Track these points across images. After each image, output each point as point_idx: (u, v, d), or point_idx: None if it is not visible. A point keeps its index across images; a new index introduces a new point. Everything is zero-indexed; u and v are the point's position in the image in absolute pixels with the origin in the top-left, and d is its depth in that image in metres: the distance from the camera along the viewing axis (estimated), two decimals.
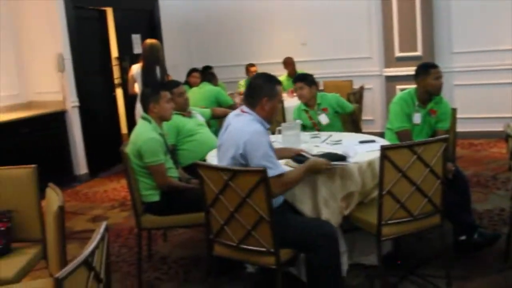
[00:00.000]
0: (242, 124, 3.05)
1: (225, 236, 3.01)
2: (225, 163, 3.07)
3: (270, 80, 3.15)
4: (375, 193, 3.29)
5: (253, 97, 3.13)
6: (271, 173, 2.84)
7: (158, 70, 6.03)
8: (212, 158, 3.76)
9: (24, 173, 3.30)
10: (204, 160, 3.71)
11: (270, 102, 3.10)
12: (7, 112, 6.50)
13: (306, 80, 4.94)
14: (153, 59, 6.03)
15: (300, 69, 7.96)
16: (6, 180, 3.31)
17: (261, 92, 3.09)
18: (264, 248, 2.88)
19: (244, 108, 3.15)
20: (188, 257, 4.17)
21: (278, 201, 3.10)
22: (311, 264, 2.95)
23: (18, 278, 2.99)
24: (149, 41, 6.21)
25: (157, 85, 4.56)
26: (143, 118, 3.84)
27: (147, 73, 5.98)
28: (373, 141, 3.96)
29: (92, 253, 1.82)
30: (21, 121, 6.18)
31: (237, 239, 2.95)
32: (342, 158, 3.26)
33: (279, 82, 3.17)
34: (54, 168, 6.18)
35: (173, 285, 3.75)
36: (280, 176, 2.94)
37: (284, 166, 3.21)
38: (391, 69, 7.82)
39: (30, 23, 6.86)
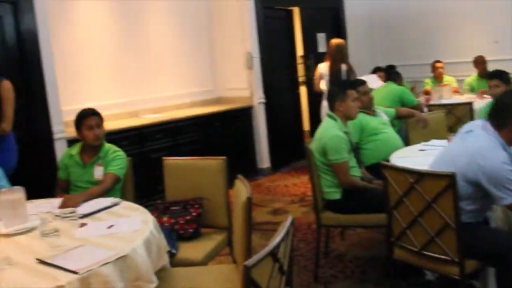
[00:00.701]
0: (486, 145, 2.75)
1: (407, 240, 2.93)
2: (443, 167, 2.83)
3: None
4: None
5: (500, 118, 2.80)
6: None
7: (344, 69, 6.10)
8: (396, 159, 3.68)
9: (215, 163, 3.52)
10: (388, 161, 3.63)
11: None
12: (201, 107, 7.02)
13: (502, 78, 4.61)
14: (339, 58, 6.13)
15: (492, 68, 7.42)
16: (201, 169, 3.57)
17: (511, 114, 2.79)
18: (447, 256, 2.75)
19: (488, 125, 2.84)
20: (365, 257, 4.13)
21: (479, 217, 2.92)
22: (502, 280, 2.74)
23: (205, 261, 3.21)
24: (335, 40, 6.33)
25: (344, 83, 4.58)
26: (329, 116, 3.88)
27: (334, 72, 6.08)
28: None
29: (278, 245, 1.87)
30: (214, 115, 6.62)
31: (419, 244, 2.86)
32: None
33: None
34: (240, 161, 6.50)
35: (349, 283, 3.74)
36: None
37: None
38: None
39: (223, 23, 7.29)
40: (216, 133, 6.57)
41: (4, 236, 2.61)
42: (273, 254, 1.85)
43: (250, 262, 1.71)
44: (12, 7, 4.79)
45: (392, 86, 6.38)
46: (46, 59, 4.95)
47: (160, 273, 2.53)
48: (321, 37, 8.26)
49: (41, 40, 4.91)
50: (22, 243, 2.52)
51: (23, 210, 2.73)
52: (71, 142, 4.77)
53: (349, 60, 6.38)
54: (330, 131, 3.73)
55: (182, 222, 3.39)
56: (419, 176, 2.76)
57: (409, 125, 4.94)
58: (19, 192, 2.74)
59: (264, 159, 7.25)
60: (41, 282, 2.01)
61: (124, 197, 3.48)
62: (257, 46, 7.12)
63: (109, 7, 6.20)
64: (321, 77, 6.27)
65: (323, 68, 6.29)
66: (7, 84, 3.98)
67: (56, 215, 2.89)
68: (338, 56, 6.15)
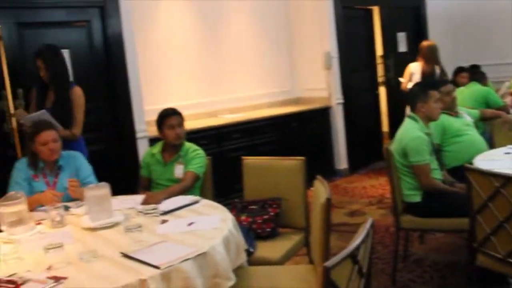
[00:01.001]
0: None
1: (491, 247, 2.83)
2: None
3: None
4: None
5: None
6: None
7: (438, 71, 6.16)
8: (480, 162, 3.54)
9: (293, 164, 3.53)
10: (471, 163, 3.51)
11: None
12: (279, 107, 7.05)
13: None
14: (432, 60, 6.20)
15: None
16: (279, 169, 3.59)
17: None
18: None
19: None
20: (445, 263, 4.01)
21: None
22: None
23: (282, 261, 3.22)
24: (426, 42, 6.43)
25: (426, 84, 4.48)
26: (410, 117, 3.80)
27: (426, 74, 6.11)
28: None
29: (358, 247, 1.85)
30: (291, 115, 6.63)
31: (504, 251, 2.75)
32: None
33: None
34: (317, 161, 6.48)
35: None
36: None
37: None
38: None
39: (302, 23, 7.28)
40: (293, 133, 6.58)
41: (90, 230, 2.73)
42: (353, 256, 1.83)
43: (330, 263, 1.70)
44: (100, 11, 5.00)
45: (476, 87, 6.17)
46: (130, 61, 5.14)
47: (237, 271, 2.55)
48: (401, 36, 8.09)
49: (126, 42, 5.10)
50: (107, 237, 2.62)
51: (109, 206, 2.83)
52: (152, 141, 4.93)
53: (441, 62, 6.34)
54: (411, 133, 3.65)
55: (260, 221, 3.42)
56: (506, 180, 2.65)
57: (494, 127, 4.75)
58: (105, 188, 2.85)
59: (341, 160, 7.18)
60: (125, 275, 2.08)
61: (203, 195, 3.54)
62: (335, 46, 7.05)
63: (190, 7, 6.34)
64: (410, 76, 6.26)
65: (414, 67, 6.31)
66: (78, 91, 4.12)
67: (139, 211, 3.00)
68: (431, 57, 6.21)
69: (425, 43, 6.39)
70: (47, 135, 3.33)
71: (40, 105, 4.07)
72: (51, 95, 4.11)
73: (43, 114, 3.85)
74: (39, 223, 2.89)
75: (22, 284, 2.06)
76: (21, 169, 3.40)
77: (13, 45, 4.55)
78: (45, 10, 4.72)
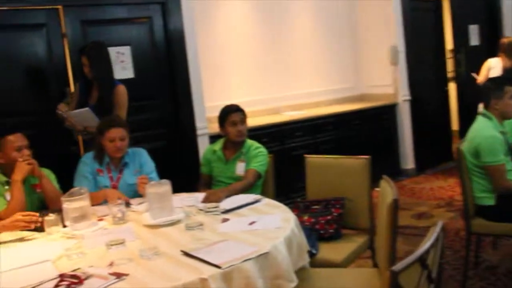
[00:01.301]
0: None
1: None
2: None
3: None
4: None
5: None
6: None
7: None
8: None
9: (358, 163, 3.42)
10: None
11: None
12: (342, 104, 6.92)
13: None
14: None
15: None
16: (342, 168, 3.49)
17: None
18: None
19: None
20: None
21: None
22: None
23: (346, 263, 3.13)
24: (506, 39, 6.25)
25: (500, 79, 4.27)
26: (483, 114, 3.60)
27: (507, 71, 5.94)
28: None
29: (428, 251, 1.76)
30: (355, 113, 6.48)
31: None
32: None
33: None
34: (382, 160, 6.26)
35: None
36: None
37: None
38: None
39: (366, 17, 7.10)
40: (357, 131, 6.43)
41: (151, 227, 2.73)
42: (422, 260, 1.74)
43: (397, 267, 1.62)
44: (161, 8, 5.03)
45: None
46: (192, 58, 5.16)
47: (299, 273, 2.48)
48: (473, 29, 7.77)
49: (187, 39, 5.13)
50: (167, 235, 2.61)
51: (170, 203, 2.83)
52: (213, 138, 4.92)
53: None
54: (484, 131, 3.45)
55: (322, 222, 3.33)
56: None
57: None
58: (166, 186, 2.84)
59: (408, 159, 6.97)
60: (185, 274, 2.06)
61: (264, 194, 3.50)
62: (402, 40, 6.84)
63: (252, 3, 6.31)
64: (488, 72, 6.08)
65: (494, 62, 6.12)
66: (122, 89, 4.13)
67: (200, 209, 2.98)
68: None
69: (505, 40, 6.19)
70: (116, 132, 3.39)
71: (83, 102, 4.12)
72: (94, 92, 4.15)
73: (86, 112, 3.89)
74: (101, 219, 2.92)
75: (85, 279, 2.07)
76: (87, 163, 3.46)
77: (77, 42, 4.62)
78: (108, 7, 4.80)
